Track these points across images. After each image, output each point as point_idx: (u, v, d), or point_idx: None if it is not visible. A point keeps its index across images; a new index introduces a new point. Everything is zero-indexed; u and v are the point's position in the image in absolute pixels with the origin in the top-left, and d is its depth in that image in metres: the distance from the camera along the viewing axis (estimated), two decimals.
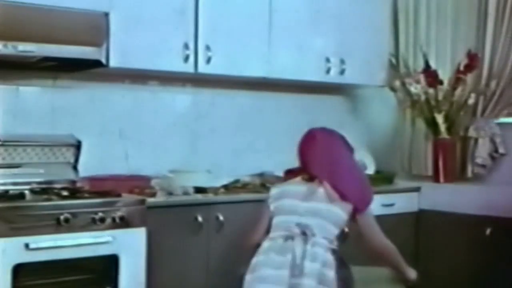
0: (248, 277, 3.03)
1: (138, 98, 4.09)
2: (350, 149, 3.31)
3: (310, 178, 3.18)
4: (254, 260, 3.05)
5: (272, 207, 3.18)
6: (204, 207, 3.61)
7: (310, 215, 3.07)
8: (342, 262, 3.07)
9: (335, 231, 3.09)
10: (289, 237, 3.03)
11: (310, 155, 3.21)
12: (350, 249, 3.19)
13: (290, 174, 3.42)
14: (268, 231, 3.16)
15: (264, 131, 4.55)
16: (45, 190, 3.43)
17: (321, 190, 3.12)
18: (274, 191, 3.24)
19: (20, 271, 2.94)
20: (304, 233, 3.02)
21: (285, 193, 3.19)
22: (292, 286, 2.93)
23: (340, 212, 3.10)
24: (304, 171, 3.23)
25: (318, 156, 3.20)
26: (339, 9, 4.50)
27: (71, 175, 3.70)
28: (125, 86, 4.04)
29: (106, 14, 3.49)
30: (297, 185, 3.20)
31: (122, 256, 3.20)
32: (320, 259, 2.98)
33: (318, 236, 3.03)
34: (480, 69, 4.61)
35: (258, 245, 3.12)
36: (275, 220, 3.14)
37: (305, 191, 3.15)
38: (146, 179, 3.78)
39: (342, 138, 3.31)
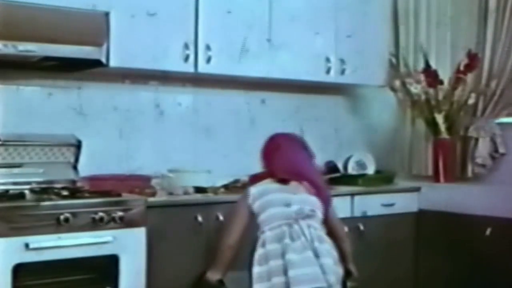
0: (259, 269, 3.12)
1: (138, 98, 4.09)
2: (310, 154, 3.47)
3: (282, 181, 3.31)
4: (261, 251, 3.14)
5: (256, 204, 3.24)
6: (204, 207, 3.61)
7: (305, 204, 3.25)
8: None
9: (322, 217, 3.30)
10: (293, 224, 3.17)
11: (279, 164, 3.34)
12: None
13: (256, 178, 3.45)
14: (244, 231, 3.25)
15: (264, 131, 4.52)
16: (45, 190, 3.43)
17: (302, 187, 3.30)
18: (254, 190, 3.29)
19: (20, 271, 2.94)
20: (305, 218, 3.20)
21: (269, 190, 3.28)
22: (320, 265, 3.12)
23: (320, 203, 3.31)
24: (273, 176, 3.33)
25: (286, 164, 3.34)
26: (339, 9, 4.50)
27: (71, 175, 3.70)
28: (125, 86, 4.05)
29: (107, 14, 3.50)
30: (277, 184, 3.31)
31: (122, 255, 3.20)
32: (327, 241, 3.24)
33: (314, 221, 3.24)
34: (480, 69, 4.61)
35: (233, 248, 3.23)
36: (269, 212, 3.21)
37: (289, 187, 3.29)
38: (146, 179, 3.78)
39: (303, 143, 3.47)
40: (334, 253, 3.25)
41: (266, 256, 3.13)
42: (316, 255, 3.14)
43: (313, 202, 3.28)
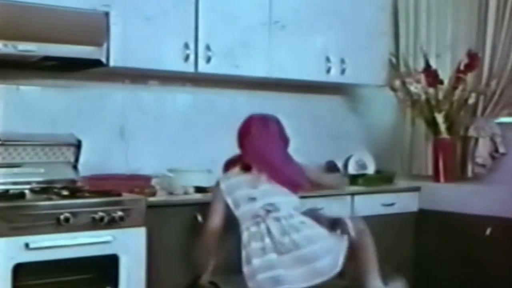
0: (245, 269, 3.23)
1: (138, 98, 4.09)
2: (284, 138, 3.57)
3: (247, 167, 3.43)
4: (244, 252, 3.26)
5: (229, 200, 3.37)
6: (204, 206, 3.59)
7: (267, 196, 3.35)
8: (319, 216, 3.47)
9: (294, 198, 3.40)
10: (260, 222, 3.28)
11: (247, 150, 3.46)
12: None
13: (231, 165, 3.56)
14: (225, 217, 3.38)
15: None
16: (45, 190, 3.43)
17: (263, 177, 3.39)
18: (223, 185, 3.41)
19: (20, 271, 2.94)
20: (271, 212, 3.30)
21: (236, 185, 3.40)
22: (298, 259, 3.19)
23: (285, 188, 3.40)
24: (242, 160, 3.46)
25: (253, 151, 3.45)
26: (340, 9, 4.50)
27: (71, 175, 3.69)
28: (125, 86, 4.05)
29: (107, 14, 3.49)
30: (241, 176, 3.42)
31: (122, 255, 3.20)
32: (303, 227, 3.28)
33: (283, 210, 3.32)
34: (480, 68, 4.61)
35: (216, 233, 3.36)
36: (240, 212, 3.35)
37: (251, 179, 3.40)
38: (146, 179, 3.77)
39: (278, 127, 3.56)
40: (318, 232, 3.29)
41: (247, 258, 3.25)
42: (282, 251, 3.21)
43: (275, 191, 3.37)
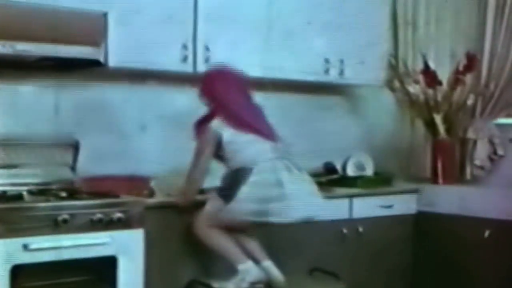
0: (249, 190, 3.32)
1: (136, 98, 4.08)
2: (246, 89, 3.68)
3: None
4: (256, 178, 3.31)
5: (235, 147, 3.44)
6: (203, 207, 3.60)
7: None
8: None
9: None
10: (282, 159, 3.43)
11: (240, 115, 3.54)
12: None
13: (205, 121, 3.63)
14: None
15: None
16: (43, 191, 3.42)
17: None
18: (227, 134, 3.46)
19: (18, 272, 2.94)
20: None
21: (238, 133, 3.45)
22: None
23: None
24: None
25: (245, 117, 3.56)
26: (338, 9, 4.50)
27: (69, 176, 3.68)
28: (124, 86, 4.03)
29: (105, 14, 3.48)
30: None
31: (120, 257, 3.20)
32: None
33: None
34: (479, 70, 4.61)
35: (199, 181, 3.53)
36: (254, 149, 3.41)
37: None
38: (145, 180, 3.76)
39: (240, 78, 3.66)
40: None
41: (264, 183, 3.32)
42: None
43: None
